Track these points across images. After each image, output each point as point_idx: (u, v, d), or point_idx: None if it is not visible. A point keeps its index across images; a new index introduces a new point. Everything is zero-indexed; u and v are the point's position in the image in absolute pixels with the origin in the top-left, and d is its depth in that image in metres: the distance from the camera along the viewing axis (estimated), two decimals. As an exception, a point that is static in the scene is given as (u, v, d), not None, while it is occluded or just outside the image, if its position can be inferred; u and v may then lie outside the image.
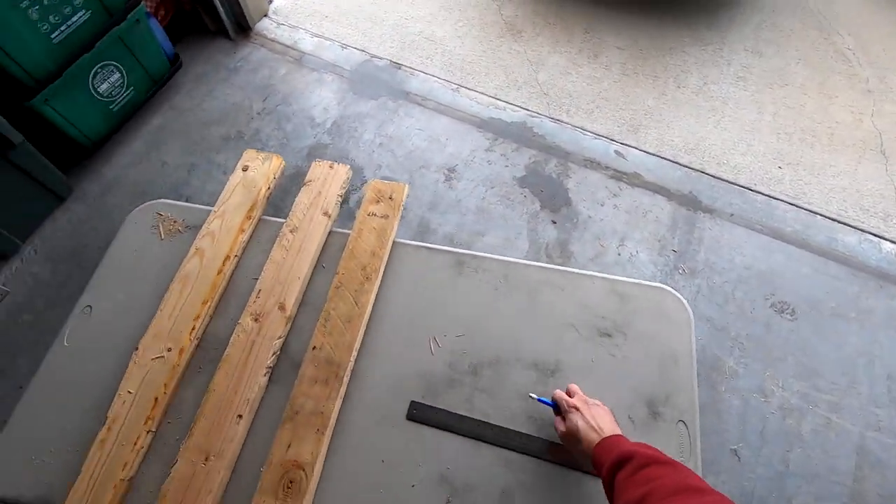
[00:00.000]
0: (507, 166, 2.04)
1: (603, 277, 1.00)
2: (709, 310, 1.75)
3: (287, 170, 2.01)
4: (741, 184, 2.02)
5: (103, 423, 0.85)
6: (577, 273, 1.01)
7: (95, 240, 1.88)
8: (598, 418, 0.77)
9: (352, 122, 2.18)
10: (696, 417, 0.88)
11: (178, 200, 1.08)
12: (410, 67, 2.33)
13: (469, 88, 2.26)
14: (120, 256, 1.04)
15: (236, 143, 2.13)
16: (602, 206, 1.96)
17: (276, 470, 0.81)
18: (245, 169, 1.11)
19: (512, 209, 1.94)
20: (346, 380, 0.89)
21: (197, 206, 1.10)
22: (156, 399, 0.87)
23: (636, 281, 1.01)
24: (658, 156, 2.07)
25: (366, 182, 2.02)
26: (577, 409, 0.79)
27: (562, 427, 0.80)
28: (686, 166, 2.05)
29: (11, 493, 0.83)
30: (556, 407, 0.84)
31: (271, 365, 0.91)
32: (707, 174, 2.04)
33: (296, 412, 0.86)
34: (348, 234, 1.04)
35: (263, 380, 0.89)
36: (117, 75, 1.90)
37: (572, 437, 0.77)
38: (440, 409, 0.88)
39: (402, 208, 1.06)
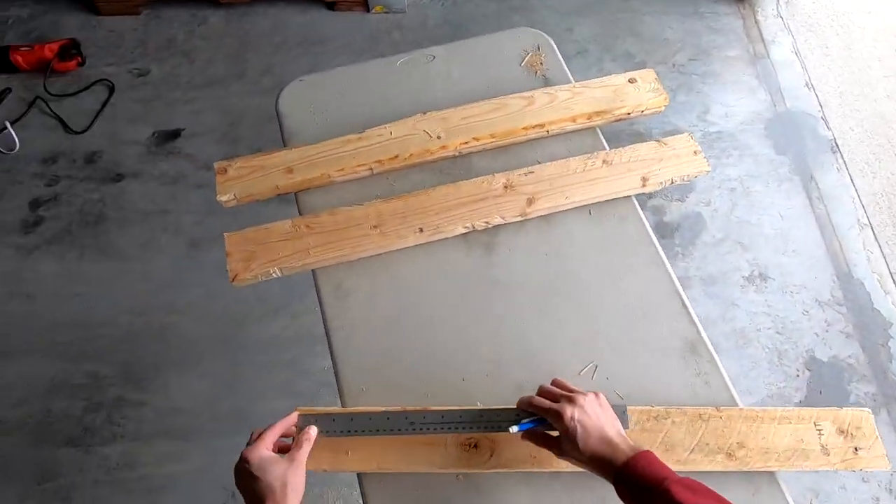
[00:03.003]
0: (816, 334, 1.57)
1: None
2: None
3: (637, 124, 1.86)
4: None
5: (358, 133, 0.94)
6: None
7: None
8: (601, 422, 0.62)
9: (732, 147, 1.87)
10: None
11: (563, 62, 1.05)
12: (845, 160, 1.85)
13: (877, 238, 1.72)
14: (486, 46, 1.07)
15: (634, 62, 2.02)
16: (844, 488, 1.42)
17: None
18: (631, 81, 1.00)
19: (770, 374, 1.52)
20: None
21: (567, 70, 1.04)
22: (396, 156, 0.92)
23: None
24: None
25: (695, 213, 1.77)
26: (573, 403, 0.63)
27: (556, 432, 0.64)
28: None
29: (285, 109, 1.00)
30: (540, 421, 0.66)
31: (476, 228, 0.87)
32: None
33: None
34: (637, 215, 0.90)
35: (460, 229, 0.87)
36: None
37: (572, 442, 0.60)
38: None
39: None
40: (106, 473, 1.40)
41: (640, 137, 1.87)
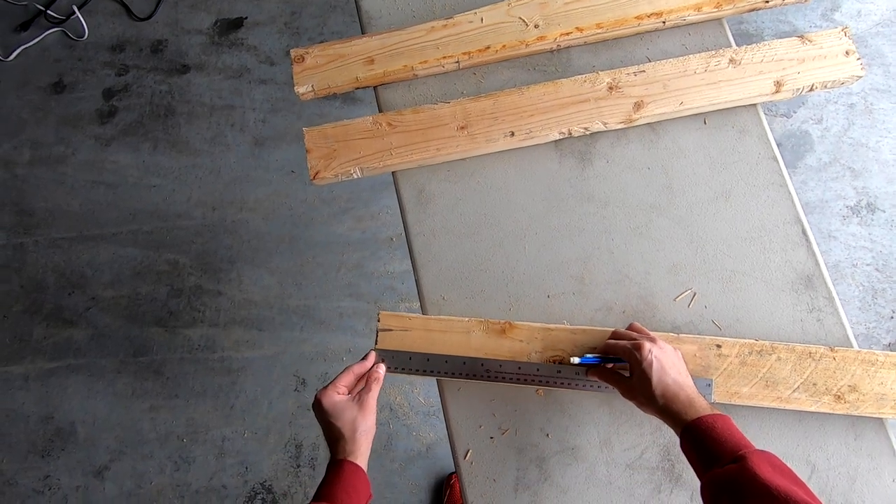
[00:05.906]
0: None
1: None
2: None
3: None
4: None
5: (446, 19, 0.83)
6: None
7: None
8: (678, 367, 0.60)
9: (861, 55, 1.59)
10: None
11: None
12: None
13: None
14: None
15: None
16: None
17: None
18: (777, -40, 0.81)
19: (861, 313, 1.41)
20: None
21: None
22: (487, 47, 0.81)
23: None
24: None
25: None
26: (652, 341, 0.61)
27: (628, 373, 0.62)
28: None
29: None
30: (605, 359, 0.65)
31: (573, 134, 0.78)
32: None
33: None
34: (761, 127, 0.77)
35: (555, 135, 0.78)
36: None
37: (645, 380, 0.58)
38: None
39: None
40: (189, 353, 1.53)
41: (748, 40, 1.62)
